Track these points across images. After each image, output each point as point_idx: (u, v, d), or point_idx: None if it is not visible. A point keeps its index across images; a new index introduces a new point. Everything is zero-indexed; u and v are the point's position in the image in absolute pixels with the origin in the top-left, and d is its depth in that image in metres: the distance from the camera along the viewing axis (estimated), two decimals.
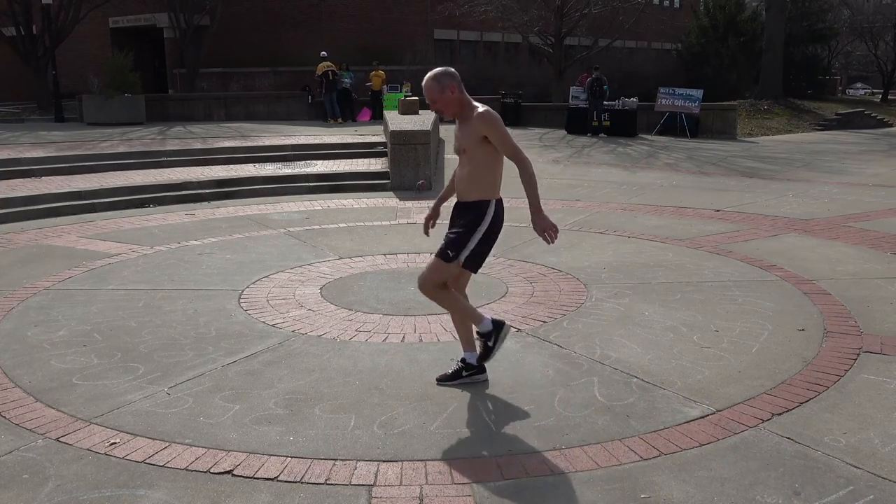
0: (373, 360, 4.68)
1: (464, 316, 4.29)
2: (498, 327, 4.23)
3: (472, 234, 4.03)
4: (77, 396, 4.19)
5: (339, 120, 20.75)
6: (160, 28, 28.37)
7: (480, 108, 4.00)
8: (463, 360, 4.35)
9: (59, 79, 21.67)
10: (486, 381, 4.33)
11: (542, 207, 4.00)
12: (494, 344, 4.22)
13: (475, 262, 4.15)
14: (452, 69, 4.06)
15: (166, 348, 4.92)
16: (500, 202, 4.13)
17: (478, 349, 4.32)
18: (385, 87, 22.55)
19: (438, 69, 4.05)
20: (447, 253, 4.05)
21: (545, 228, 3.95)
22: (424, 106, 17.60)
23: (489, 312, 5.51)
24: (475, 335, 4.33)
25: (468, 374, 4.32)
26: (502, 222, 4.14)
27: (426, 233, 4.54)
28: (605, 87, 19.61)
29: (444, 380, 4.34)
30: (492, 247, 4.17)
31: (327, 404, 4.06)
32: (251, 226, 8.91)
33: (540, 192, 4.02)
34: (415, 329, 5.22)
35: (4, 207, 9.48)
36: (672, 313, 5.51)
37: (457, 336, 5.05)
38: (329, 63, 20.75)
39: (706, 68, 29.89)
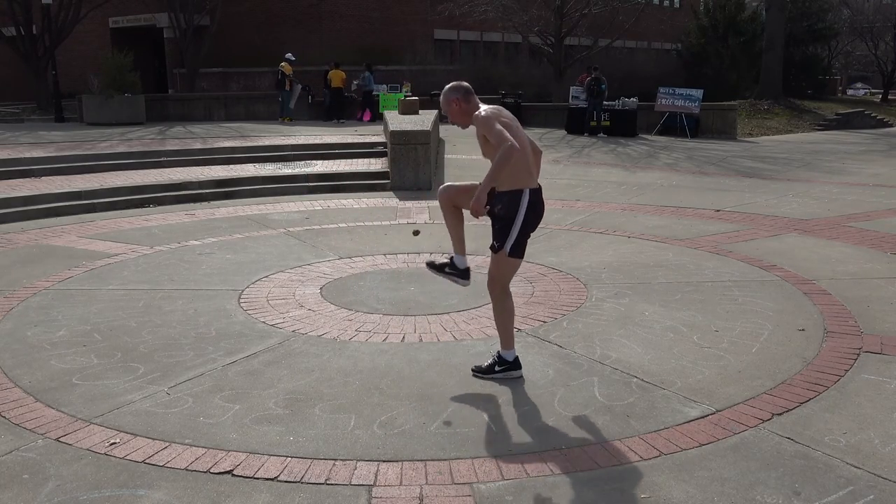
0: (373, 360, 4.68)
1: (501, 322, 4.43)
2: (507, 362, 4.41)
3: (511, 226, 4.17)
4: (77, 396, 4.19)
5: (289, 119, 20.95)
6: (160, 28, 28.37)
7: (481, 110, 4.17)
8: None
9: (59, 79, 21.65)
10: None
11: (488, 187, 4.01)
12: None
13: (519, 251, 4.28)
14: (461, 83, 4.30)
15: (166, 348, 4.92)
16: (534, 191, 4.21)
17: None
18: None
19: (448, 85, 4.31)
20: (493, 244, 4.24)
21: (475, 209, 4.02)
22: (424, 106, 17.64)
23: (489, 312, 5.52)
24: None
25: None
26: (542, 207, 4.28)
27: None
28: (602, 86, 19.61)
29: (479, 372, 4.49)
30: (531, 232, 4.28)
31: (327, 404, 4.06)
32: (251, 226, 8.91)
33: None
34: (415, 329, 5.22)
35: (4, 207, 9.48)
36: (672, 313, 5.51)
37: (457, 336, 5.07)
38: (285, 65, 20.79)
39: (706, 68, 29.87)
